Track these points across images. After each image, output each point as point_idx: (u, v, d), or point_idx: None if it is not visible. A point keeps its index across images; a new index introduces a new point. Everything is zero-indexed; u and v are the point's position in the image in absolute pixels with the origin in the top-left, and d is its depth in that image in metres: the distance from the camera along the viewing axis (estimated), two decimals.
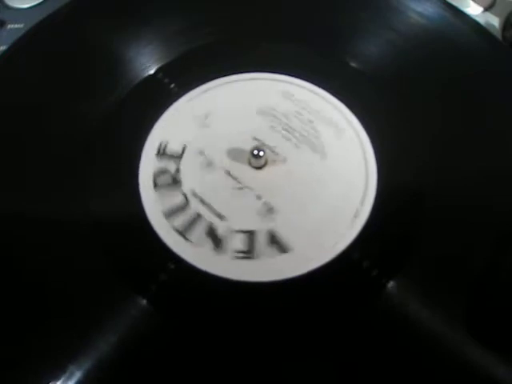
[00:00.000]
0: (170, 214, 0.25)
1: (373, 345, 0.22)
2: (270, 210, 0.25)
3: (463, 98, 0.28)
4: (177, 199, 0.25)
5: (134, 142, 0.27)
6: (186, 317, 0.23)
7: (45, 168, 0.26)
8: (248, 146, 0.26)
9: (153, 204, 0.25)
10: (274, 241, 0.24)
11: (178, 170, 0.26)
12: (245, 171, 0.26)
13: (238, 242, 0.24)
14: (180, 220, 0.25)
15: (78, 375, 0.21)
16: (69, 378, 0.21)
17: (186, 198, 0.25)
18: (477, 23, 0.31)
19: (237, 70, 0.29)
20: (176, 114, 0.28)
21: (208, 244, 0.24)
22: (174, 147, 0.27)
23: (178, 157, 0.26)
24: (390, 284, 0.23)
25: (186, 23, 0.31)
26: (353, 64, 0.29)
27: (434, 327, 0.22)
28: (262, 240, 0.24)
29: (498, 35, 0.32)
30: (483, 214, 0.24)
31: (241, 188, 0.25)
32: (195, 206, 0.25)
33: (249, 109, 0.28)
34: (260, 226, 0.24)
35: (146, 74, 0.29)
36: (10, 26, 0.33)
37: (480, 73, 0.29)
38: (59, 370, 0.21)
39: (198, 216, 0.25)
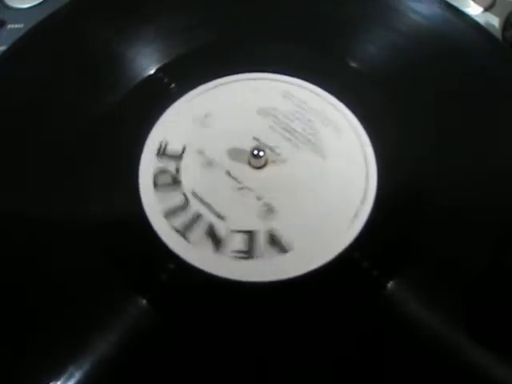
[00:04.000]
0: (169, 213, 0.25)
1: (373, 344, 0.22)
2: (269, 210, 0.25)
3: (463, 97, 0.28)
4: (177, 199, 0.25)
5: (134, 141, 0.27)
6: (185, 317, 0.23)
7: (44, 168, 0.26)
8: (248, 145, 0.26)
9: (153, 204, 0.25)
10: (274, 241, 0.24)
11: (177, 170, 0.26)
12: (245, 171, 0.26)
13: (237, 242, 0.24)
14: (180, 220, 0.25)
15: (77, 375, 0.21)
16: (69, 379, 0.21)
17: (186, 197, 0.25)
18: (477, 23, 0.31)
19: (237, 70, 0.29)
20: (176, 113, 0.28)
21: (208, 244, 0.24)
22: (174, 147, 0.27)
23: (178, 157, 0.26)
24: (390, 284, 0.23)
25: (186, 23, 0.31)
26: (353, 64, 0.29)
27: (433, 327, 0.22)
28: (261, 240, 0.24)
29: (498, 35, 0.32)
30: (483, 214, 0.24)
31: (241, 188, 0.25)
32: (195, 206, 0.25)
33: (249, 109, 0.28)
34: (260, 226, 0.24)
35: (146, 74, 0.29)
36: (9, 26, 0.33)
37: (480, 73, 0.29)
38: (59, 370, 0.21)
39: (198, 216, 0.25)
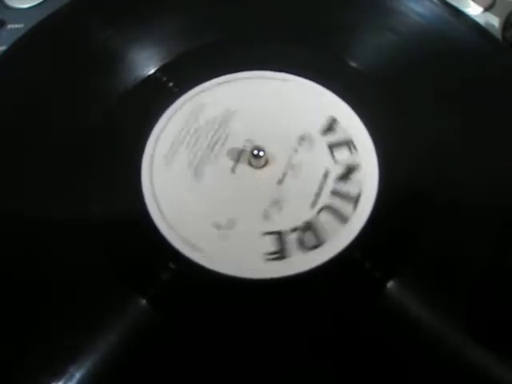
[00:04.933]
0: None
1: (372, 344, 0.22)
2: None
3: (463, 97, 0.28)
4: None
5: (135, 141, 0.27)
6: (186, 317, 0.23)
7: (44, 168, 0.26)
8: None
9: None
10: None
11: None
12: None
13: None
14: None
15: (78, 376, 0.21)
16: (69, 379, 0.21)
17: None
18: (477, 23, 0.31)
19: (237, 69, 0.29)
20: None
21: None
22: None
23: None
24: (390, 283, 0.23)
25: (186, 23, 0.31)
26: (353, 64, 0.29)
27: (433, 327, 0.22)
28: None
29: (498, 35, 0.32)
30: (483, 213, 0.24)
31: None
32: None
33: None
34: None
35: (146, 74, 0.29)
36: (9, 26, 0.33)
37: (480, 73, 0.29)
38: (59, 370, 0.21)
39: None
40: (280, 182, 0.25)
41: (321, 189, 0.25)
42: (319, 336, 0.22)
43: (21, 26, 0.33)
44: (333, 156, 0.26)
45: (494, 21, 0.33)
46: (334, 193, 0.25)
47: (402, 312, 0.22)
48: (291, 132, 0.27)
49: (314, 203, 0.25)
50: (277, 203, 0.25)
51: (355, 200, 0.25)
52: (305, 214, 0.25)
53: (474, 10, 0.33)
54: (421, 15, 0.30)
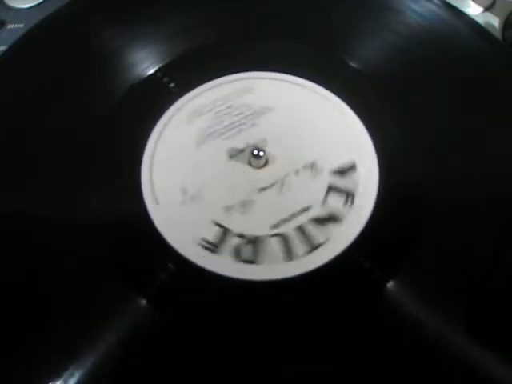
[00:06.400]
0: None
1: (373, 344, 0.22)
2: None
3: (463, 97, 0.28)
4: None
5: (135, 142, 0.27)
6: (186, 316, 0.23)
7: (45, 168, 0.26)
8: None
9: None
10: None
11: None
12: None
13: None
14: None
15: (77, 375, 0.21)
16: (69, 379, 0.21)
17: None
18: (477, 23, 0.31)
19: (237, 69, 0.29)
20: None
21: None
22: None
23: None
24: (390, 284, 0.23)
25: (185, 23, 0.31)
26: (353, 64, 0.29)
27: (433, 327, 0.22)
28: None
29: (498, 35, 0.32)
30: (483, 213, 0.24)
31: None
32: None
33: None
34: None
35: (146, 74, 0.29)
36: (10, 26, 0.33)
37: (480, 73, 0.29)
38: (59, 370, 0.21)
39: None
40: (262, 189, 0.25)
41: (291, 218, 0.24)
42: (319, 336, 0.22)
43: (21, 26, 0.33)
44: (325, 197, 0.25)
45: (494, 21, 0.33)
46: (299, 229, 0.24)
47: (402, 312, 0.22)
48: (306, 154, 0.26)
49: (275, 226, 0.24)
50: (245, 205, 0.25)
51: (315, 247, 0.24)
52: (260, 230, 0.24)
53: (474, 10, 0.33)
54: (421, 15, 0.30)
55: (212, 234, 0.24)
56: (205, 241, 0.24)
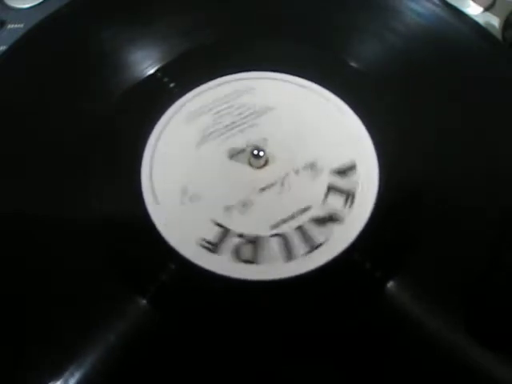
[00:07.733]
0: None
1: (373, 344, 0.22)
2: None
3: (463, 97, 0.28)
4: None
5: (135, 141, 0.27)
6: (186, 316, 0.23)
7: (45, 168, 0.26)
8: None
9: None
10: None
11: None
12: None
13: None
14: None
15: (77, 375, 0.21)
16: (69, 379, 0.21)
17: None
18: (477, 23, 0.31)
19: (237, 69, 0.29)
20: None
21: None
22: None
23: None
24: (390, 284, 0.23)
25: (185, 23, 0.31)
26: (353, 64, 0.29)
27: (433, 327, 0.22)
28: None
29: (498, 35, 0.32)
30: (483, 213, 0.24)
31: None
32: None
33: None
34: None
35: (146, 74, 0.29)
36: (10, 26, 0.33)
37: (480, 73, 0.29)
38: (59, 370, 0.21)
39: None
40: (262, 190, 0.25)
41: (290, 218, 0.24)
42: (320, 336, 0.22)
43: (21, 25, 0.33)
44: (325, 197, 0.25)
45: (494, 21, 0.33)
46: (299, 229, 0.24)
47: (402, 312, 0.22)
48: (306, 154, 0.26)
49: (275, 226, 0.24)
50: (245, 205, 0.25)
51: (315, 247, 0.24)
52: (260, 230, 0.24)
53: (474, 10, 0.33)
54: (421, 15, 0.30)
55: (212, 233, 0.24)
56: (205, 241, 0.24)
